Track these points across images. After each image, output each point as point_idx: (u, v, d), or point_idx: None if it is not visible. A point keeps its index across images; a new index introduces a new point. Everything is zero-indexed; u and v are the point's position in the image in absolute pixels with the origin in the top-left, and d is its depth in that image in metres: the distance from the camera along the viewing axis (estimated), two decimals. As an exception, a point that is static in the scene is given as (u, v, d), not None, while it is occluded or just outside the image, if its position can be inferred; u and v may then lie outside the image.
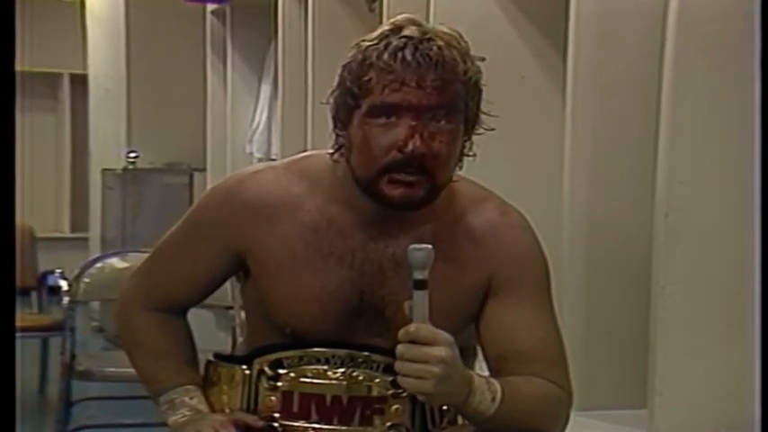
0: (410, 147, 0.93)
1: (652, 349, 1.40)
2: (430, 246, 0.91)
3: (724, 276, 1.38)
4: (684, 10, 1.35)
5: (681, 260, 1.39)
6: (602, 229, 1.64)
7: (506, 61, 1.92)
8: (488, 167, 1.74)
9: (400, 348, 0.90)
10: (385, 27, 0.96)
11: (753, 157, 1.31)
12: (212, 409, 1.04)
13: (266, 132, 3.39)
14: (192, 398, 1.04)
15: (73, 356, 2.26)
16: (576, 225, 1.63)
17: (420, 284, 0.90)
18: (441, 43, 0.94)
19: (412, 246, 0.91)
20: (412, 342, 0.89)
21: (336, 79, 0.98)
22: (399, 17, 0.97)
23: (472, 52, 0.96)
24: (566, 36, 1.65)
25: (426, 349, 0.89)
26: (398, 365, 0.90)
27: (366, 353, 1.00)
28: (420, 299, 0.90)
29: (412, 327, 0.90)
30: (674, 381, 1.38)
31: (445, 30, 0.96)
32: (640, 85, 1.61)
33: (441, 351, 0.89)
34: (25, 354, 3.01)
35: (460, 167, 1.00)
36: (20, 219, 3.59)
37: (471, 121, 0.98)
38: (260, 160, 3.36)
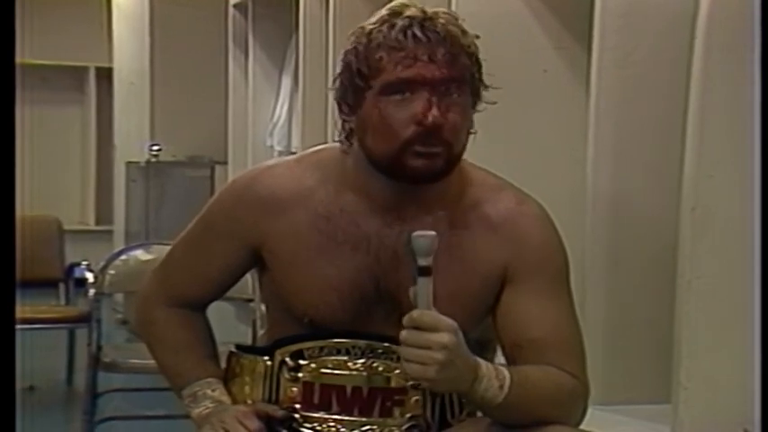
0: (430, 119, 0.94)
1: (677, 343, 1.38)
2: (433, 233, 0.91)
3: (750, 271, 1.36)
4: (714, 6, 1.33)
5: (707, 254, 1.37)
6: (625, 223, 1.63)
7: (529, 55, 1.90)
8: (511, 160, 1.73)
9: (404, 334, 0.90)
10: (383, 12, 0.98)
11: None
12: (234, 401, 1.05)
13: (287, 125, 3.40)
14: (214, 390, 1.05)
15: (99, 348, 2.29)
16: (599, 219, 1.62)
17: (424, 271, 0.90)
18: (443, 20, 0.96)
19: (416, 232, 0.91)
20: (416, 328, 0.89)
21: (340, 65, 0.99)
22: (395, 2, 0.99)
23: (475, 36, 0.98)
24: (590, 29, 1.63)
25: (429, 335, 0.89)
26: (402, 351, 0.90)
27: (386, 344, 1.00)
28: (424, 285, 0.90)
29: (415, 313, 0.90)
30: (699, 375, 1.37)
31: (442, 10, 0.99)
32: (665, 77, 1.59)
33: (443, 337, 0.89)
34: (53, 345, 3.07)
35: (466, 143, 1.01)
36: (47, 211, 3.65)
37: (476, 94, 0.99)
38: (280, 153, 3.38)
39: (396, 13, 0.97)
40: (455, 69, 0.95)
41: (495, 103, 1.00)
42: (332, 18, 2.62)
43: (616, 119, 1.62)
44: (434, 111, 0.94)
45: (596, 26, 1.61)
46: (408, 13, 0.96)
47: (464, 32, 0.97)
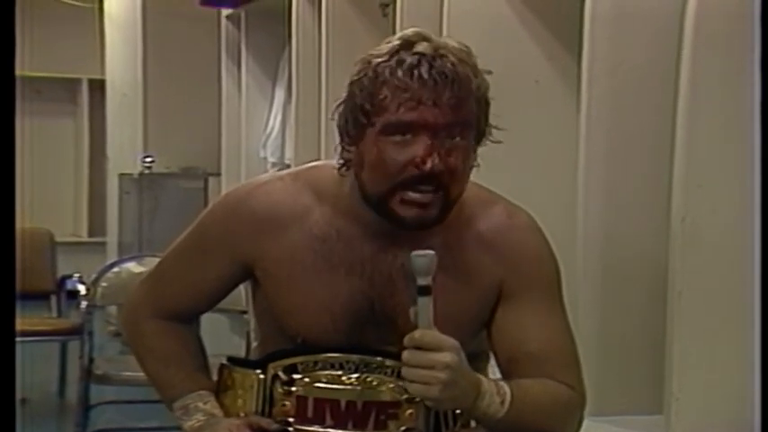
0: (429, 164, 0.93)
1: (669, 354, 1.39)
2: (432, 252, 0.91)
3: (741, 282, 1.37)
4: (702, 11, 1.34)
5: (697, 265, 1.38)
6: (617, 234, 1.63)
7: (520, 66, 1.92)
8: (503, 172, 1.73)
9: (406, 355, 0.90)
10: (395, 42, 0.96)
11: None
12: (227, 414, 1.05)
13: (280, 137, 3.40)
14: (205, 402, 1.05)
15: (91, 360, 2.28)
16: (591, 230, 1.63)
17: (424, 290, 0.90)
18: (454, 60, 0.94)
19: (414, 252, 0.92)
20: (417, 348, 0.90)
21: (344, 95, 0.97)
22: (408, 31, 0.97)
23: (480, 66, 0.97)
24: (580, 39, 1.64)
25: (431, 355, 0.89)
26: (405, 371, 0.91)
27: (379, 358, 1.00)
28: (424, 305, 0.90)
29: (417, 333, 0.90)
30: (690, 386, 1.37)
31: (455, 44, 0.96)
32: (655, 87, 1.60)
33: (446, 357, 0.89)
34: (45, 357, 3.05)
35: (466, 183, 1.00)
36: (40, 223, 3.62)
37: (480, 135, 0.98)
38: (274, 165, 3.38)
39: (406, 46, 0.93)
40: (460, 114, 0.93)
41: (500, 142, 0.99)
42: (324, 29, 2.63)
43: (607, 128, 1.63)
44: (435, 157, 0.92)
45: (586, 36, 1.62)
46: (419, 48, 0.93)
47: (475, 72, 0.94)
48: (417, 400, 0.99)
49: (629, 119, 1.63)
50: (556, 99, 1.94)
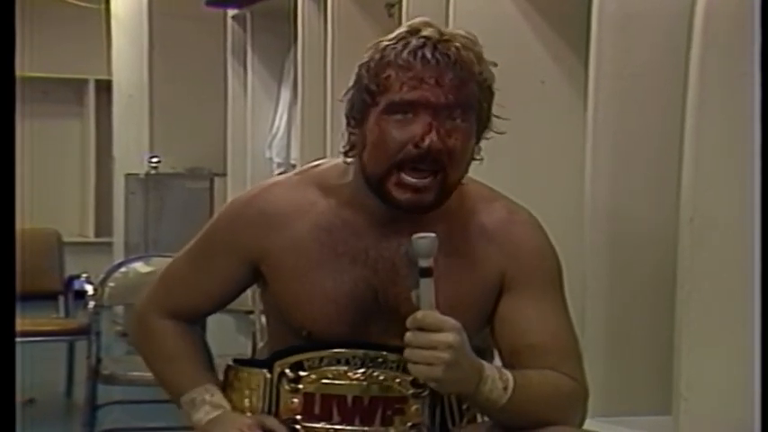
0: (427, 142, 0.94)
1: (677, 354, 1.39)
2: (433, 234, 0.92)
3: (750, 281, 1.36)
4: (710, 12, 1.34)
5: (706, 265, 1.38)
6: (624, 234, 1.63)
7: (526, 66, 1.92)
8: (508, 172, 1.73)
9: (408, 336, 0.91)
10: (402, 29, 0.98)
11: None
12: (234, 409, 1.05)
13: (286, 137, 3.41)
14: (212, 395, 1.05)
15: (98, 360, 2.29)
16: (598, 229, 1.62)
17: (425, 272, 0.91)
18: (458, 44, 0.96)
19: (416, 235, 0.92)
20: (420, 329, 0.90)
21: (353, 78, 0.99)
22: (416, 20, 0.99)
23: (486, 57, 0.98)
24: (587, 40, 1.64)
25: (434, 335, 0.90)
26: (407, 353, 0.91)
27: (384, 353, 1.00)
28: (426, 286, 0.91)
29: (419, 314, 0.91)
30: (699, 386, 1.37)
31: (462, 32, 0.98)
32: (662, 88, 1.59)
33: (448, 337, 0.90)
34: (52, 357, 3.06)
35: (466, 171, 1.01)
36: (46, 224, 3.63)
37: (483, 123, 0.99)
38: (279, 165, 3.39)
39: (413, 32, 0.96)
40: (461, 95, 0.95)
41: (503, 132, 1.00)
42: (330, 30, 2.63)
43: (614, 129, 1.63)
44: (433, 135, 0.94)
45: (593, 37, 1.62)
46: (425, 32, 0.96)
47: (480, 59, 0.96)
48: (423, 394, 0.99)
49: (636, 120, 1.63)
50: (562, 100, 1.94)
